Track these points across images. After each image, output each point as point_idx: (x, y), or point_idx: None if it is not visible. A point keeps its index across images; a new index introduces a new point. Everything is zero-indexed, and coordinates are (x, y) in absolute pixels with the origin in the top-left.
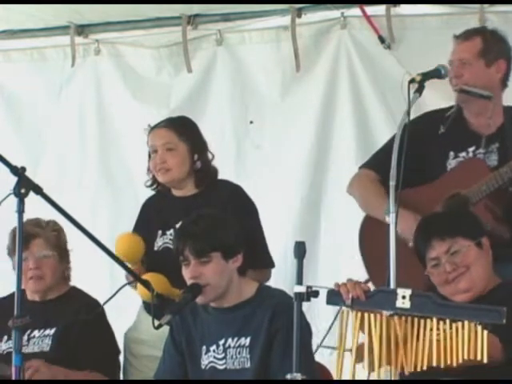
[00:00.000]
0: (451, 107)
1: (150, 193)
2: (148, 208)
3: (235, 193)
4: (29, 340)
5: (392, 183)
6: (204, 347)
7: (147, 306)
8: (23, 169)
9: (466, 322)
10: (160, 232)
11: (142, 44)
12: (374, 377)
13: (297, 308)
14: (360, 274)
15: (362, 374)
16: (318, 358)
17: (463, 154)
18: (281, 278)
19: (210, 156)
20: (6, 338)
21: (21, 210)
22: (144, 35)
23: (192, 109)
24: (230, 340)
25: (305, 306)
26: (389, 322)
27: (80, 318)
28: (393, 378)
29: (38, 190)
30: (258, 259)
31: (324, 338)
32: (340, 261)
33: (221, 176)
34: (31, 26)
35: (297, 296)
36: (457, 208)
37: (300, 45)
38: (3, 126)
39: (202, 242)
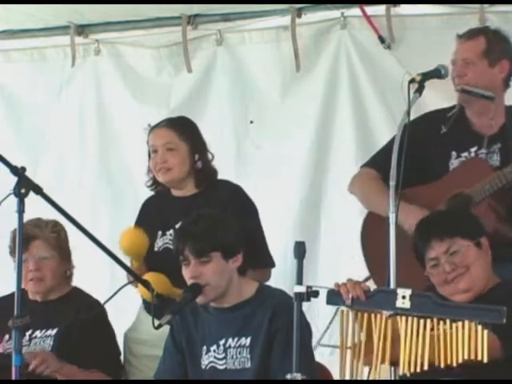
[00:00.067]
0: (452, 107)
1: (149, 193)
2: (148, 208)
3: (235, 193)
4: (30, 340)
5: (392, 183)
6: (204, 347)
7: (147, 306)
8: (23, 169)
9: (466, 322)
10: (160, 233)
11: (142, 44)
12: (374, 377)
13: (297, 308)
14: (360, 274)
15: (361, 373)
16: (317, 357)
17: (465, 154)
18: (281, 278)
19: (209, 156)
20: (7, 337)
21: (21, 210)
22: (144, 35)
23: (192, 109)
24: (230, 340)
25: (305, 305)
26: (389, 321)
27: (81, 318)
28: (393, 378)
29: (38, 190)
30: (258, 259)
31: (322, 337)
32: (340, 261)
33: (221, 176)
34: (31, 26)
35: (297, 296)
36: (456, 208)
37: (300, 45)
38: (3, 126)
39: (201, 241)
